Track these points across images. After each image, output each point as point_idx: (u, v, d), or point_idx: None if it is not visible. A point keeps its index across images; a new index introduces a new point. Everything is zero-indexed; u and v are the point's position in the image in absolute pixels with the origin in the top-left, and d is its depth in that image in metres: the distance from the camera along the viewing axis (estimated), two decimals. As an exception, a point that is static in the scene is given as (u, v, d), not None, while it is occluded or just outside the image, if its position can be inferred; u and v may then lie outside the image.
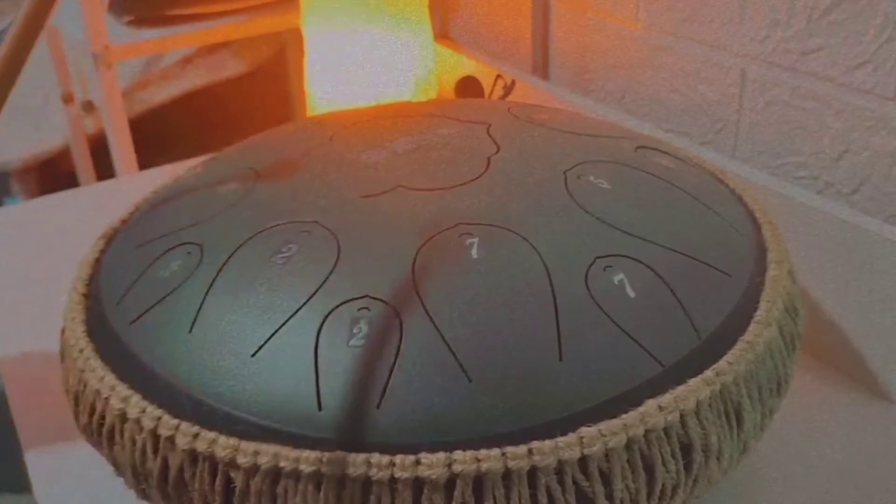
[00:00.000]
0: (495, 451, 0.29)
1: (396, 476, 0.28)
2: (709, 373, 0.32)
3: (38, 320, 0.58)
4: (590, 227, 0.36)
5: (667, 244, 0.36)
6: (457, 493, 0.28)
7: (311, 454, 0.29)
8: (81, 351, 0.35)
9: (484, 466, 0.28)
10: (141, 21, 1.05)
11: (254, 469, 0.29)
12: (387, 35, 0.75)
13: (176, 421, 0.31)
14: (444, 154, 0.42)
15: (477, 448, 0.29)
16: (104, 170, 1.28)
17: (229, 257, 0.36)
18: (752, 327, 0.34)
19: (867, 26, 0.51)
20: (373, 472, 0.28)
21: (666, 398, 0.31)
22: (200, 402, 0.31)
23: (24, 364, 0.54)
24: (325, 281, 0.33)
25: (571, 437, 0.29)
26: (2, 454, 0.62)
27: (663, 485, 0.31)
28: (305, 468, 0.29)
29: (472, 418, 0.29)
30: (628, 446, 0.30)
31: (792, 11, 0.56)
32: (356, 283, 0.33)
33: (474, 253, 0.34)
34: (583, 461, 0.29)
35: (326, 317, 0.32)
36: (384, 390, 0.30)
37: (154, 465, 0.31)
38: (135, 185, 0.80)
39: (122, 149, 1.01)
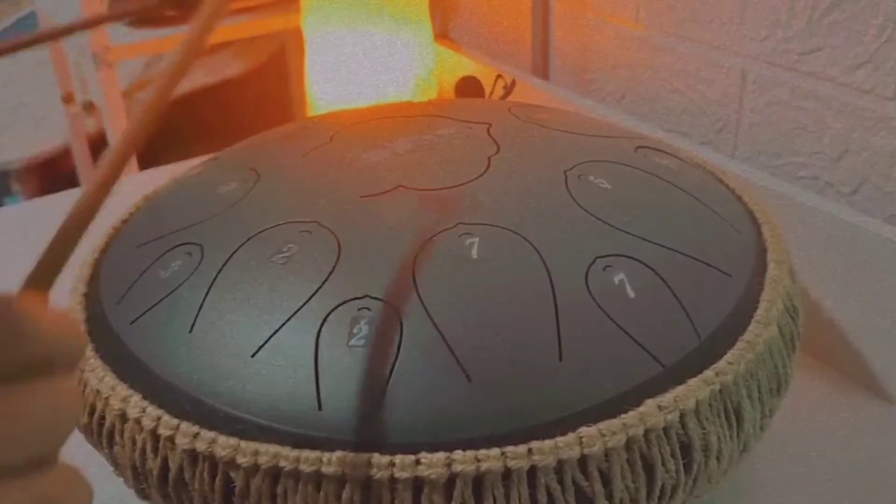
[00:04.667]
0: (495, 451, 0.29)
1: (396, 476, 0.28)
2: (708, 372, 0.32)
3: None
4: (590, 226, 0.36)
5: (667, 244, 0.36)
6: (456, 493, 0.28)
7: (311, 454, 0.29)
8: (81, 351, 0.35)
9: (484, 466, 0.28)
10: (141, 21, 1.05)
11: (254, 469, 0.29)
12: (387, 35, 0.75)
13: (176, 421, 0.31)
14: (444, 154, 0.42)
15: (477, 448, 0.29)
16: (104, 170, 1.27)
17: (229, 257, 0.36)
18: (751, 327, 0.34)
19: (867, 26, 0.51)
20: (372, 472, 0.28)
21: (666, 398, 0.31)
22: (200, 402, 0.31)
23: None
24: (325, 281, 0.33)
25: (571, 437, 0.29)
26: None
27: (663, 484, 0.31)
28: (305, 468, 0.29)
29: (471, 418, 0.29)
30: (628, 446, 0.30)
31: (792, 11, 0.56)
32: (356, 283, 0.33)
33: (474, 253, 0.34)
34: (582, 461, 0.29)
35: (327, 317, 0.32)
36: (384, 390, 0.30)
37: (154, 464, 0.31)
38: (135, 185, 0.80)
39: (122, 149, 1.01)
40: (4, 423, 0.18)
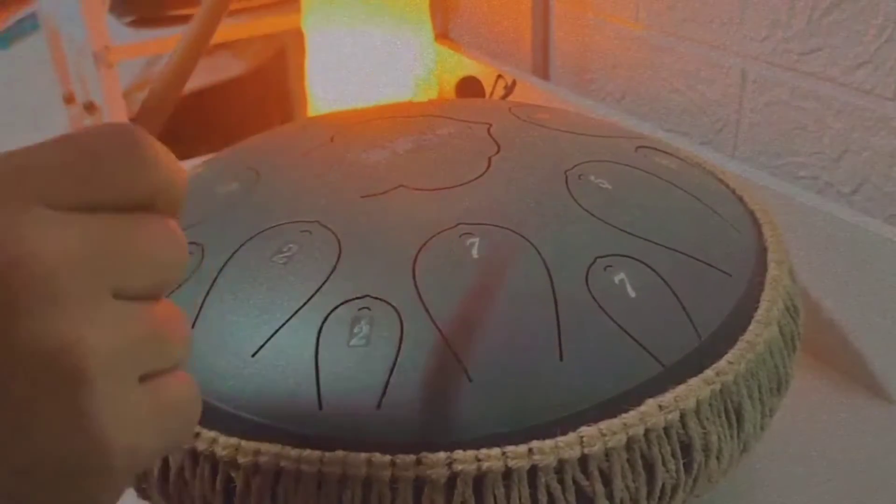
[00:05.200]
0: (496, 451, 0.29)
1: (397, 475, 0.28)
2: (709, 372, 0.32)
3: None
4: (590, 226, 0.36)
5: (667, 244, 0.36)
6: (457, 493, 0.28)
7: (312, 454, 0.29)
8: (82, 350, 0.35)
9: (484, 466, 0.28)
10: (142, 21, 1.05)
11: (254, 468, 0.29)
12: (387, 35, 0.75)
13: (176, 420, 0.31)
14: (444, 154, 0.42)
15: (477, 447, 0.29)
16: (104, 170, 1.27)
17: (230, 257, 0.36)
18: (752, 327, 0.34)
19: (867, 26, 0.51)
20: (373, 471, 0.28)
21: (666, 398, 0.31)
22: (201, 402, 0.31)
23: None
24: (325, 281, 0.33)
25: (572, 437, 0.29)
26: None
27: (663, 484, 0.31)
28: (306, 468, 0.29)
29: (472, 418, 0.30)
30: (628, 446, 0.30)
31: (792, 11, 0.56)
32: (357, 283, 0.33)
33: (474, 253, 0.34)
34: (583, 460, 0.29)
35: (327, 317, 0.32)
36: (384, 390, 0.30)
37: (154, 464, 0.31)
38: (135, 185, 0.80)
39: (122, 149, 1.01)
40: (131, 247, 0.19)
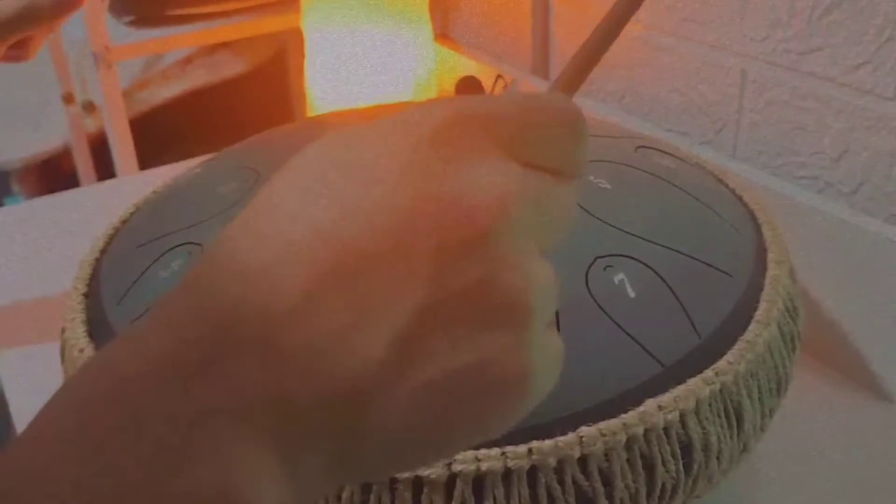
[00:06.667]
0: (495, 451, 0.29)
1: (396, 475, 0.28)
2: (709, 372, 0.32)
3: (38, 320, 0.58)
4: (590, 226, 0.36)
5: (667, 244, 0.36)
6: (456, 493, 0.28)
7: (312, 454, 0.29)
8: (82, 351, 0.35)
9: (484, 466, 0.28)
10: (141, 21, 1.05)
11: (254, 468, 0.29)
12: (387, 35, 0.75)
13: (176, 420, 0.31)
14: (444, 154, 0.42)
15: (477, 447, 0.29)
16: (105, 170, 1.28)
17: (229, 257, 0.36)
18: (752, 327, 0.34)
19: (867, 26, 0.51)
20: (373, 471, 0.28)
21: (666, 398, 0.31)
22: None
23: (24, 364, 0.54)
24: (325, 281, 0.33)
25: (571, 437, 0.29)
26: (2, 454, 0.62)
27: (663, 484, 0.31)
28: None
29: (472, 418, 0.29)
30: (628, 446, 0.30)
31: (792, 11, 0.56)
32: (356, 283, 0.33)
33: (474, 253, 0.34)
34: (583, 460, 0.29)
35: (326, 316, 0.32)
36: (384, 390, 0.30)
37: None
38: (135, 186, 0.80)
39: (122, 149, 1.01)
40: (562, 211, 0.21)
